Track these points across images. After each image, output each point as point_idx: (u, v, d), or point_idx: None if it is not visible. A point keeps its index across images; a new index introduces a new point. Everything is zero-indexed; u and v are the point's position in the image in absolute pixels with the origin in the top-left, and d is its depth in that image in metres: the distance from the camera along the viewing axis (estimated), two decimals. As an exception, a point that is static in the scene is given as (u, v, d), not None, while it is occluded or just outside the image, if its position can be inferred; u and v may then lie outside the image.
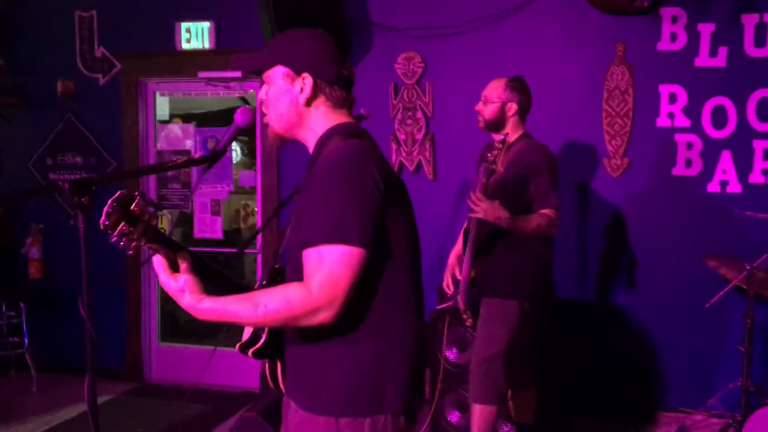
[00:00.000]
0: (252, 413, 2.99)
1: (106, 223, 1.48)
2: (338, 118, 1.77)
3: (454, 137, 4.43)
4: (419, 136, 4.52)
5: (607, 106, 4.19)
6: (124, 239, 1.50)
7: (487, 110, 3.29)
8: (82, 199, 1.51)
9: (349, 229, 1.54)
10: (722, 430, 3.60)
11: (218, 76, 4.84)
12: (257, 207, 5.00)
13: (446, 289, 3.40)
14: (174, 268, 1.60)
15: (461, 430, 3.68)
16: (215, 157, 1.84)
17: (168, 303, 5.18)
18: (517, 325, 3.14)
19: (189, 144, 5.12)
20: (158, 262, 1.60)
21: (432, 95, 4.48)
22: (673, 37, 4.07)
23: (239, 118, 1.82)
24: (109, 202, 1.47)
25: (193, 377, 4.69)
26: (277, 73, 1.75)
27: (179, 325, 5.45)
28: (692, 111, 4.07)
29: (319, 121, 1.76)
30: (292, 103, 1.75)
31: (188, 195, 5.14)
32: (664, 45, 4.09)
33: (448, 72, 4.46)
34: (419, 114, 4.51)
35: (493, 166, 3.05)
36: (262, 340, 1.75)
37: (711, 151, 4.05)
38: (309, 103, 1.74)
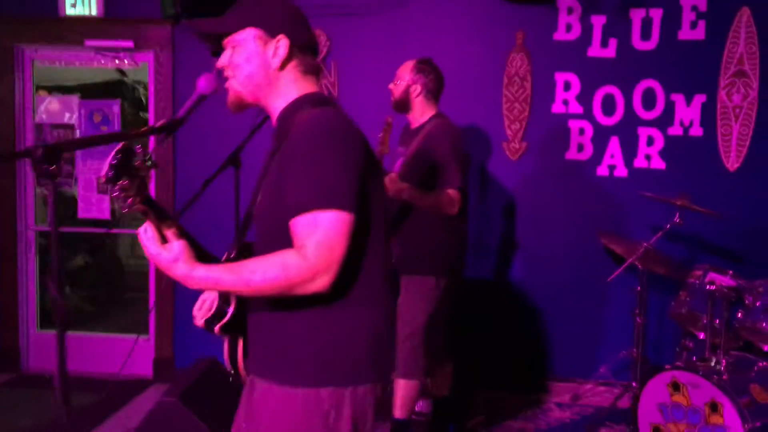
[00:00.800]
0: (172, 398, 2.85)
1: (110, 175, 1.37)
2: (308, 85, 1.73)
3: (361, 117, 4.40)
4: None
5: (507, 92, 4.36)
6: (123, 194, 1.39)
7: (396, 90, 3.33)
8: (51, 168, 1.37)
9: (341, 195, 1.52)
10: (620, 396, 3.87)
11: (108, 46, 4.55)
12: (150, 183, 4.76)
13: None
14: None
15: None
16: (174, 125, 1.73)
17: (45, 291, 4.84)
18: (435, 301, 3.22)
19: (72, 117, 4.78)
20: (148, 231, 1.50)
21: (338, 75, 4.45)
22: (569, 28, 4.30)
23: (203, 85, 1.73)
24: (113, 153, 1.37)
25: (77, 366, 4.41)
26: (248, 36, 1.68)
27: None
28: (584, 98, 4.31)
29: (289, 87, 1.71)
30: (262, 66, 1.69)
31: (71, 172, 4.81)
32: (560, 35, 4.31)
33: (354, 51, 4.45)
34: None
35: (381, 147, 3.06)
36: (228, 314, 1.68)
37: (601, 137, 4.32)
38: (282, 66, 1.69)
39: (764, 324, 3.05)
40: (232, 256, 1.73)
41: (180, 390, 2.93)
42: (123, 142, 1.41)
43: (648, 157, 4.30)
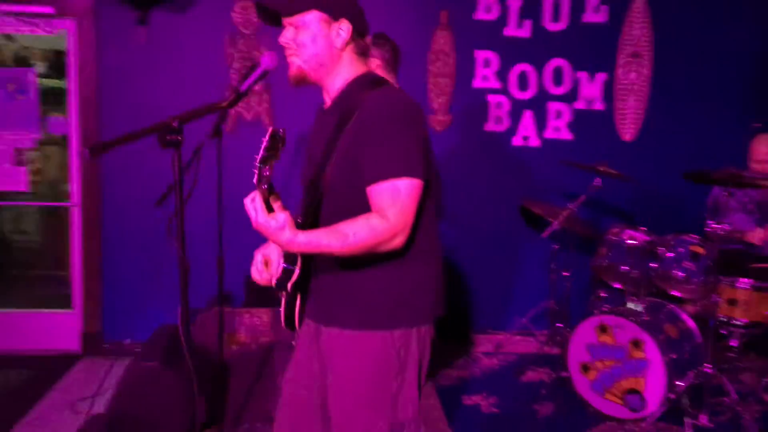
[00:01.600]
0: (152, 362, 2.91)
1: (264, 155, 1.56)
2: (361, 66, 1.93)
3: (292, 90, 4.54)
4: (258, 87, 4.55)
5: (432, 67, 4.64)
6: (267, 174, 1.54)
7: None
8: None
9: (413, 164, 1.75)
10: (546, 342, 4.30)
11: (24, 11, 4.35)
12: (69, 157, 4.61)
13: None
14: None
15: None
16: (238, 98, 1.86)
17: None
18: None
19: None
20: (256, 201, 1.63)
21: (270, 46, 4.53)
22: (488, 9, 4.63)
23: (267, 61, 1.88)
24: (268, 138, 1.56)
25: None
26: (312, 18, 1.83)
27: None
28: (502, 75, 4.68)
29: (347, 67, 1.89)
30: (327, 47, 1.85)
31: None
32: (480, 14, 4.63)
33: (285, 25, 4.55)
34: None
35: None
36: (296, 273, 1.84)
37: (516, 111, 4.72)
38: (343, 48, 1.86)
39: (675, 272, 3.57)
40: (299, 221, 1.86)
41: (160, 354, 2.99)
42: (272, 128, 1.56)
43: (557, 129, 4.76)
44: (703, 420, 3.39)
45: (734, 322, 3.54)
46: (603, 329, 3.58)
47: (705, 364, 3.45)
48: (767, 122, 4.63)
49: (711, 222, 3.51)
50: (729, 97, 4.80)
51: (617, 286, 3.88)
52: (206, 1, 4.48)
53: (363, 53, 1.93)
